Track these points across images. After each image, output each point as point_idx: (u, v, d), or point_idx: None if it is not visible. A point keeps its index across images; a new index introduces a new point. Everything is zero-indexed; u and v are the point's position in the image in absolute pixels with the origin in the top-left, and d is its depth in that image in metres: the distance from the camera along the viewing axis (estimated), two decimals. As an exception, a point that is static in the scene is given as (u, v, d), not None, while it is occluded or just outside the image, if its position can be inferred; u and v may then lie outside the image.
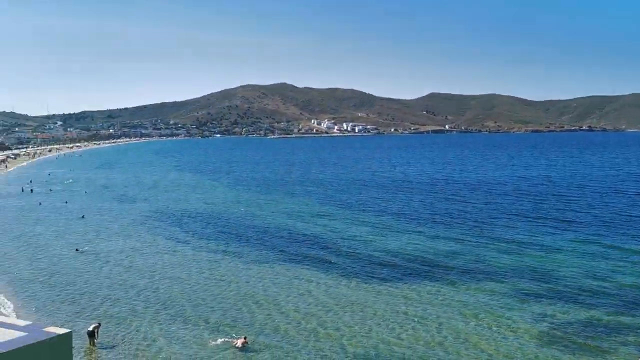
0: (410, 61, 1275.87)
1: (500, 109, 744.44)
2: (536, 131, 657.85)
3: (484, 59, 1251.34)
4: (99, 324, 30.21)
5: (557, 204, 76.63)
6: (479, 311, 33.73)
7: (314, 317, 32.91)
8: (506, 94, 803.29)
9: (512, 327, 31.03)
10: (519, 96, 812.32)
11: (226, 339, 29.12)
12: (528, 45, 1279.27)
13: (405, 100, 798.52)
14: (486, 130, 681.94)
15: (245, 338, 28.81)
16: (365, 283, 39.86)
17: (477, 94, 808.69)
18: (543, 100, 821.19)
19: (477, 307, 34.54)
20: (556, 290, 37.78)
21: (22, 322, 17.13)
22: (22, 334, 14.83)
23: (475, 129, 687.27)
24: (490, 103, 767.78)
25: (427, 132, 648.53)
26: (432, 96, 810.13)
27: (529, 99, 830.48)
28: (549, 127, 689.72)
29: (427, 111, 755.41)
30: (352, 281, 40.40)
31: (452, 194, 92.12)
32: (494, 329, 30.93)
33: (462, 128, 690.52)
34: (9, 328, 15.38)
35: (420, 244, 52.57)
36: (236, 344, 28.37)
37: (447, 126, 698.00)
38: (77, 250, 50.98)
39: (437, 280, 40.31)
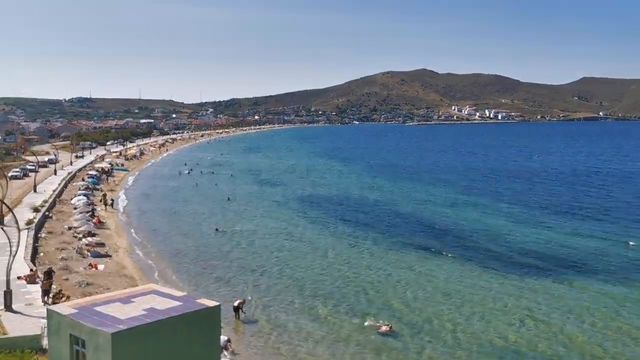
0: (560, 42, 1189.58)
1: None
2: None
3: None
4: (244, 300, 32.64)
5: None
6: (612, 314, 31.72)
7: (447, 308, 33.01)
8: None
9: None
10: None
11: (371, 323, 30.18)
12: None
13: (554, 85, 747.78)
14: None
15: (389, 325, 29.66)
16: (504, 277, 38.98)
17: (638, 77, 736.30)
18: None
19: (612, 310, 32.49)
20: None
21: (178, 293, 19.45)
22: (178, 303, 16.96)
23: (635, 116, 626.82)
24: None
25: (579, 119, 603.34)
26: (584, 80, 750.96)
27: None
28: None
29: (578, 97, 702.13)
30: (490, 274, 39.68)
31: (599, 186, 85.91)
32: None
33: (619, 115, 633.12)
34: (167, 297, 17.62)
35: (559, 238, 50.10)
36: (381, 328, 29.33)
37: (601, 113, 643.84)
38: (217, 230, 55.00)
39: (571, 278, 38.33)
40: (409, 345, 27.84)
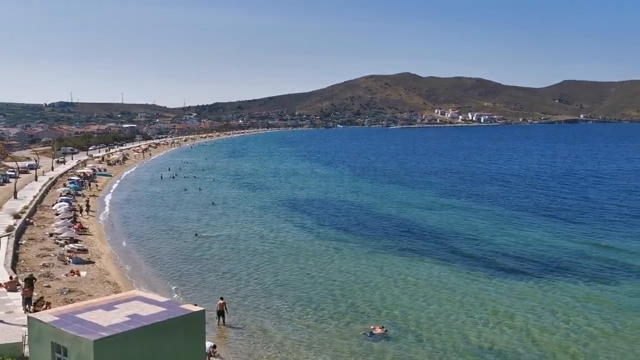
0: (541, 46, 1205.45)
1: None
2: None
3: (625, 41, 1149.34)
4: (224, 301, 31.94)
5: None
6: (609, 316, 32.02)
7: (437, 307, 33.08)
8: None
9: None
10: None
11: (364, 326, 30.08)
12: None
13: (536, 88, 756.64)
14: (627, 120, 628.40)
15: (383, 327, 29.61)
16: (486, 277, 39.20)
17: (618, 80, 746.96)
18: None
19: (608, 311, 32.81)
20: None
21: (161, 299, 19.23)
22: (162, 309, 16.76)
23: (615, 119, 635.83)
24: (633, 90, 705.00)
25: (559, 122, 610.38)
26: (565, 84, 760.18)
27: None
28: None
29: (559, 100, 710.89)
30: (470, 275, 39.88)
31: (575, 188, 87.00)
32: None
33: (599, 117, 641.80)
34: (151, 303, 17.41)
35: (535, 240, 50.65)
36: (375, 330, 29.25)
37: (581, 115, 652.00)
38: (195, 234, 54.51)
39: (547, 280, 38.64)
40: (405, 346, 27.77)
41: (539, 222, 59.16)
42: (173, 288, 37.54)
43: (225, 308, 31.62)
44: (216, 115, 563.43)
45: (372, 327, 29.77)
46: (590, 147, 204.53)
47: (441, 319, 31.57)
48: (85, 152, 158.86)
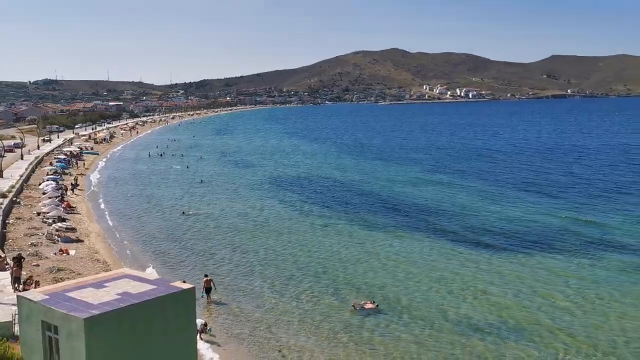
0: (530, 21, 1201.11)
1: (632, 71, 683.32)
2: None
3: (614, 16, 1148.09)
4: (210, 278, 32.09)
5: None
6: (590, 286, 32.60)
7: (427, 282, 33.49)
8: (639, 55, 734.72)
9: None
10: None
11: (356, 301, 30.29)
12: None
13: (524, 63, 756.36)
14: (614, 95, 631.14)
15: (375, 303, 29.91)
16: (477, 251, 39.65)
17: (606, 55, 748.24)
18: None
19: (588, 281, 33.40)
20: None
21: (151, 276, 19.33)
22: (152, 287, 16.85)
23: (602, 93, 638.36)
24: (620, 64, 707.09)
25: (547, 97, 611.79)
26: (553, 59, 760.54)
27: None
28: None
29: (547, 75, 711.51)
30: (456, 250, 40.32)
31: (560, 163, 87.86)
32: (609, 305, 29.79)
33: (587, 92, 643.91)
34: (141, 281, 17.50)
35: (520, 215, 51.20)
36: (367, 305, 29.55)
37: (569, 90, 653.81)
38: (183, 213, 54.32)
39: (544, 255, 39.18)
40: (396, 321, 28.11)
41: (523, 198, 59.73)
42: (161, 266, 37.64)
43: (213, 284, 31.80)
44: (204, 93, 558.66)
45: (362, 302, 30.11)
46: (576, 122, 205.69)
47: (428, 294, 31.90)
48: (72, 130, 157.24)
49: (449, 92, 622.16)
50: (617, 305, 29.93)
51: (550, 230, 45.63)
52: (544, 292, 31.89)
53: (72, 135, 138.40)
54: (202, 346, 24.79)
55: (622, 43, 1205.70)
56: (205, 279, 31.93)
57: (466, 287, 32.83)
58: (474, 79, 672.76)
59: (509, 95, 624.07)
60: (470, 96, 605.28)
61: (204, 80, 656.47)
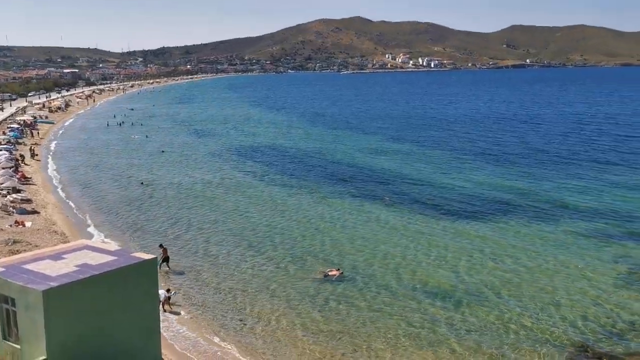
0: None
1: (589, 42, 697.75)
2: (626, 64, 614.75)
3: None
4: (165, 247, 31.96)
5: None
6: (548, 249, 33.71)
7: (391, 248, 34.00)
8: (596, 25, 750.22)
9: (588, 267, 30.85)
10: (610, 27, 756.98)
11: (320, 269, 30.55)
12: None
13: (484, 33, 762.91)
14: (571, 65, 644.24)
15: (340, 270, 30.17)
16: (434, 218, 40.38)
17: (563, 25, 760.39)
18: (638, 31, 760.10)
19: (545, 245, 34.52)
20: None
21: (112, 247, 19.09)
22: (112, 258, 16.66)
23: (559, 63, 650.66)
24: (577, 35, 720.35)
25: (507, 67, 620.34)
26: (513, 28, 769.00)
27: (621, 30, 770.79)
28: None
29: (507, 45, 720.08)
30: (418, 217, 40.98)
31: (515, 132, 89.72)
32: (566, 269, 30.89)
33: (545, 62, 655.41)
34: (101, 252, 17.28)
35: (478, 183, 52.29)
36: (332, 272, 29.83)
37: (528, 60, 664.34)
38: (142, 183, 53.51)
39: (498, 220, 40.21)
40: (361, 287, 28.50)
41: (480, 166, 60.87)
42: (121, 236, 37.14)
43: (167, 256, 31.53)
44: (163, 60, 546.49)
45: (327, 269, 30.44)
46: (531, 92, 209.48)
47: (387, 261, 32.46)
48: (25, 98, 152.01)
49: (411, 62, 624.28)
50: (563, 268, 31.04)
51: (504, 198, 46.69)
52: (496, 256, 32.83)
53: (25, 104, 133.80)
54: (164, 316, 24.71)
55: (580, 13, 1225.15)
56: (161, 249, 31.75)
57: (423, 254, 33.50)
58: (435, 49, 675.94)
59: (470, 64, 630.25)
60: (432, 65, 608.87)
61: (164, 47, 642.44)
